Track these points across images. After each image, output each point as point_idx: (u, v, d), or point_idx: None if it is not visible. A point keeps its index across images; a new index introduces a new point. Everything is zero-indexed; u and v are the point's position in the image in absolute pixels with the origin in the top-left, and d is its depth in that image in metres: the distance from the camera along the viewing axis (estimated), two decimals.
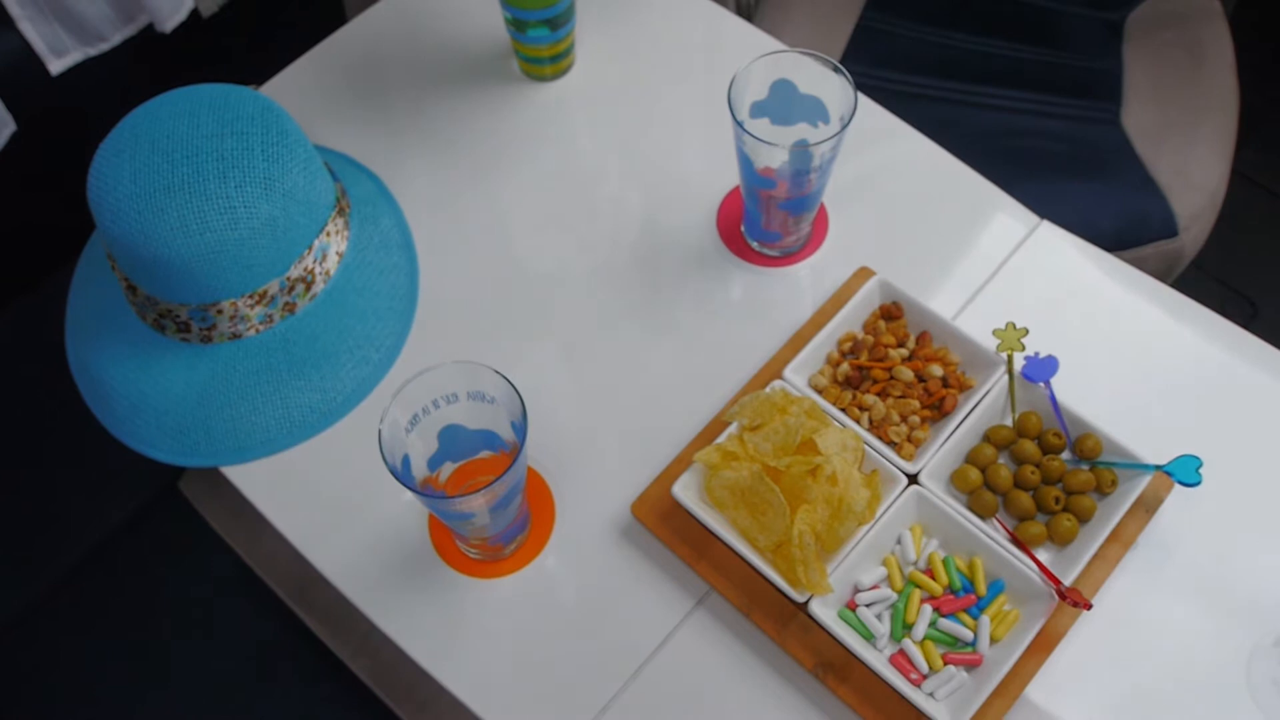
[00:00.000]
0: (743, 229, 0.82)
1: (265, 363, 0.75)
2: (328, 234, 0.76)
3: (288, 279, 0.74)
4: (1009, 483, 0.69)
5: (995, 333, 0.71)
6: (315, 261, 0.75)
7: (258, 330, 0.75)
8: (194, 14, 1.05)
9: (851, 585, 0.67)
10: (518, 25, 0.85)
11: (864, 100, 0.86)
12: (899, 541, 0.68)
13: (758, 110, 0.73)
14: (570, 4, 0.85)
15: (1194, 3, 1.21)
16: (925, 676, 0.64)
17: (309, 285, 0.75)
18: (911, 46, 1.21)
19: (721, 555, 0.69)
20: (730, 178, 0.85)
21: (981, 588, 0.66)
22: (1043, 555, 0.68)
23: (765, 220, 0.78)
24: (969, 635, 0.65)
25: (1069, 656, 0.65)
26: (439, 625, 0.69)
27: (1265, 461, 0.72)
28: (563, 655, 0.68)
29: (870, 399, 0.71)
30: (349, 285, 0.78)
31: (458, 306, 0.80)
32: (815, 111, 0.73)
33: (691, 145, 0.87)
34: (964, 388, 0.73)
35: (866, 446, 0.69)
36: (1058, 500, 0.68)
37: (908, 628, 0.65)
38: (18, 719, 1.00)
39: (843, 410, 0.72)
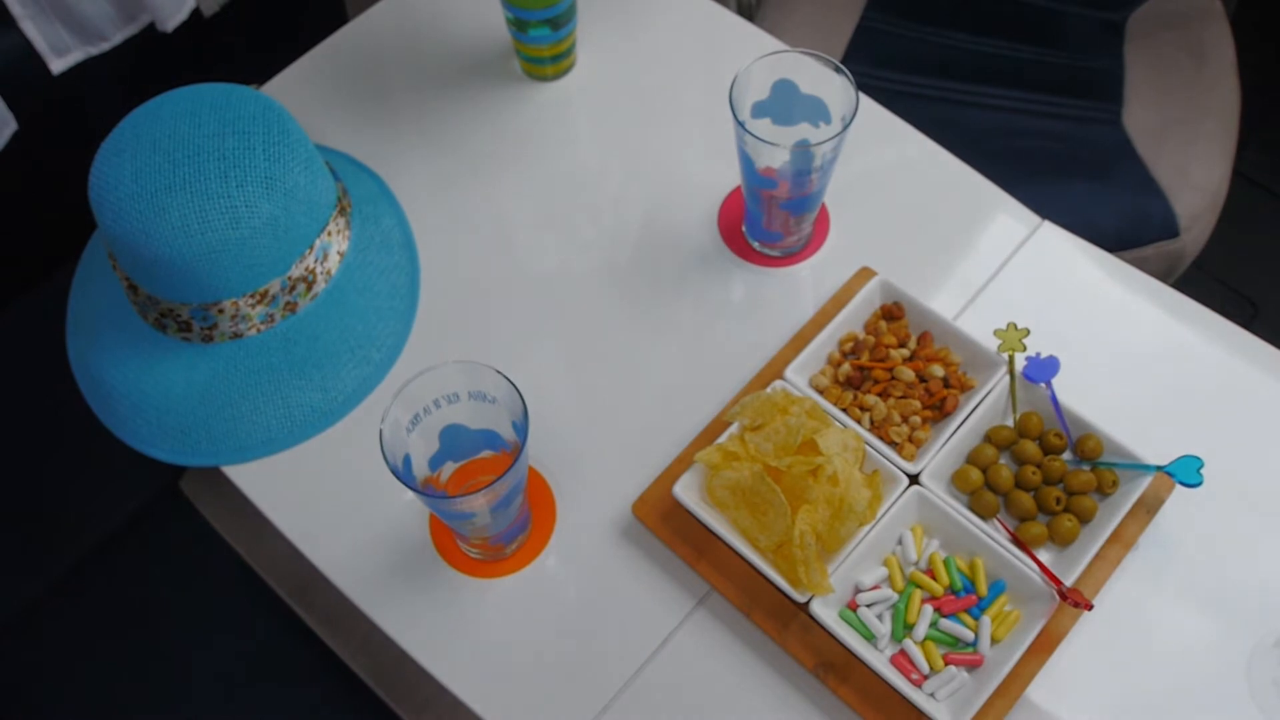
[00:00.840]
0: (744, 229, 0.82)
1: (266, 362, 0.75)
2: (329, 233, 0.76)
3: (289, 278, 0.74)
4: (1010, 483, 0.69)
5: (996, 333, 0.71)
6: (316, 261, 0.75)
7: (259, 330, 0.75)
8: (195, 13, 1.05)
9: (852, 585, 0.67)
10: (519, 25, 0.85)
11: (865, 100, 0.86)
12: (900, 542, 0.68)
13: (759, 110, 0.73)
14: (572, 4, 0.85)
15: (1195, 3, 1.21)
16: (926, 677, 0.64)
17: (310, 285, 0.75)
18: (912, 46, 1.21)
19: (722, 555, 0.68)
20: (731, 178, 0.85)
21: (982, 588, 0.66)
22: (1044, 556, 0.68)
23: (766, 220, 0.78)
24: (970, 636, 0.65)
25: (1070, 657, 0.65)
26: (440, 625, 0.69)
27: (1266, 462, 0.72)
28: (563, 655, 0.68)
29: (871, 399, 0.71)
30: (350, 285, 0.77)
31: (459, 306, 0.80)
32: (816, 111, 0.73)
33: (692, 145, 0.87)
34: (965, 388, 0.72)
35: (867, 447, 0.69)
36: (1059, 501, 0.68)
37: (909, 628, 0.65)
38: (18, 719, 0.99)
39: (844, 410, 0.72)
